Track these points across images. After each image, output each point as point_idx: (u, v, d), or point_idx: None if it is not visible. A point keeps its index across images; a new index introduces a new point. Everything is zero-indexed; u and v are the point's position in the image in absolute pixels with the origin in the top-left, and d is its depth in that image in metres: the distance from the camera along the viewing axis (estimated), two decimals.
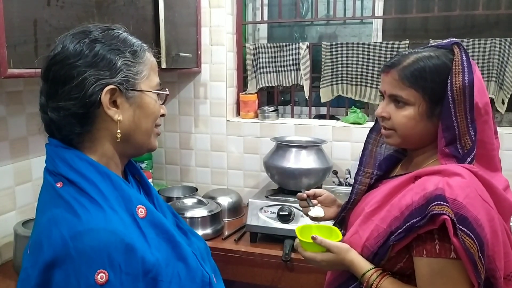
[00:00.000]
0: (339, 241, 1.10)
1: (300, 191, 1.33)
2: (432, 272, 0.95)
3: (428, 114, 1.04)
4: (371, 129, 1.23)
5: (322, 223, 1.27)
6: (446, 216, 0.90)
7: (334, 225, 1.26)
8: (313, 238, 1.08)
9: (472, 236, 0.90)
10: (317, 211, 1.27)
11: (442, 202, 0.92)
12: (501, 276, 0.96)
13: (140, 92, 0.88)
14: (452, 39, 1.07)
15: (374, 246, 1.02)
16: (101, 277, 0.74)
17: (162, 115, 0.96)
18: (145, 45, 0.92)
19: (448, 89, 1.01)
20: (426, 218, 0.92)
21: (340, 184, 2.08)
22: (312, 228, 1.19)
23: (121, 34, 0.89)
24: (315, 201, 1.30)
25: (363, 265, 1.04)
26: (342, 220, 1.28)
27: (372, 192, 1.17)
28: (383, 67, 1.10)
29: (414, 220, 0.95)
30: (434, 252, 0.94)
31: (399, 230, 0.97)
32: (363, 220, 1.08)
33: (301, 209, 1.36)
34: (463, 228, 0.90)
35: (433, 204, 0.92)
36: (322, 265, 1.10)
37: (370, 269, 1.03)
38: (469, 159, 1.01)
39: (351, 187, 1.24)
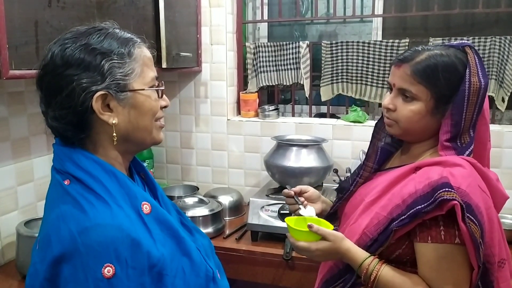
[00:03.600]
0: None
1: (286, 188, 1.28)
2: (438, 257, 0.97)
3: (433, 111, 1.06)
4: (377, 123, 1.24)
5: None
6: (455, 202, 0.93)
7: (325, 218, 1.25)
8: (309, 226, 1.05)
9: (476, 222, 0.94)
10: (309, 211, 1.21)
11: (450, 189, 0.95)
12: (495, 262, 1.00)
13: (132, 92, 0.86)
14: (464, 41, 1.09)
15: (373, 233, 1.04)
16: (108, 271, 0.76)
17: (164, 107, 0.94)
18: (137, 39, 0.90)
19: (465, 88, 1.02)
20: (434, 204, 0.94)
21: None
22: (301, 220, 1.16)
23: (108, 33, 0.86)
24: (302, 199, 1.26)
25: (360, 253, 1.04)
26: (332, 215, 1.28)
27: (369, 184, 1.18)
28: (395, 60, 1.11)
29: (420, 206, 0.96)
30: (439, 238, 0.97)
31: (402, 217, 0.99)
32: (363, 209, 1.09)
33: (287, 206, 1.31)
34: (468, 214, 0.93)
35: (441, 190, 0.95)
36: (316, 255, 1.07)
37: (369, 256, 1.03)
38: (467, 152, 1.05)
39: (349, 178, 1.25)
